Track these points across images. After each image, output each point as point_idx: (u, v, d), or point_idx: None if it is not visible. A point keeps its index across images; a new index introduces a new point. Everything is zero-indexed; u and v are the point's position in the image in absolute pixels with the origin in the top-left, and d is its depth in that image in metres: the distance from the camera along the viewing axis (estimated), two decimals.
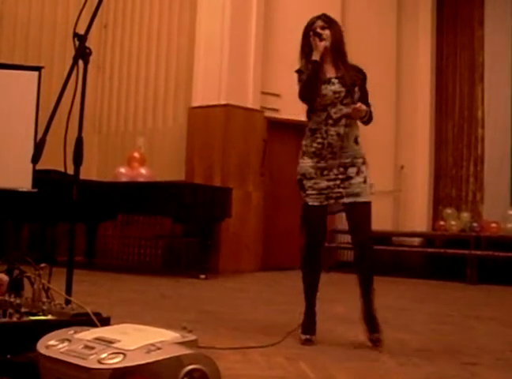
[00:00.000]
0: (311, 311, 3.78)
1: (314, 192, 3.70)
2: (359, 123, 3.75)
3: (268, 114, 9.45)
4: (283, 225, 9.87)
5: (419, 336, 4.07)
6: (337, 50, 3.70)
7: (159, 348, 1.99)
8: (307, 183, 3.72)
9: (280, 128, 9.65)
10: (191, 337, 2.26)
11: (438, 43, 10.93)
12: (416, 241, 10.38)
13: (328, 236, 9.91)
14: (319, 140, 3.70)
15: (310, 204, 3.72)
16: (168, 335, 2.20)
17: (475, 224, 9.74)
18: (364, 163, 3.69)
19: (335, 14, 9.29)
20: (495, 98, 10.30)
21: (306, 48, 3.73)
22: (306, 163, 3.74)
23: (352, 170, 3.64)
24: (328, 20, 3.73)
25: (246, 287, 7.25)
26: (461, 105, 10.67)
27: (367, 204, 3.65)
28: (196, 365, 1.97)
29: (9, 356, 2.29)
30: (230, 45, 9.01)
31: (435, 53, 10.87)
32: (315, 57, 3.66)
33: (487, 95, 10.37)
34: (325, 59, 3.70)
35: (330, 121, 3.68)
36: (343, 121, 3.65)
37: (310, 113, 3.80)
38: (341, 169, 3.64)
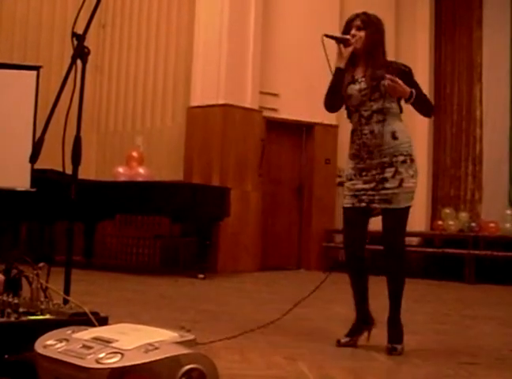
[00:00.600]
0: (358, 316, 3.66)
1: (349, 193, 3.61)
2: (418, 116, 3.65)
3: (266, 113, 9.45)
4: (281, 225, 9.87)
5: (417, 336, 4.06)
6: (370, 52, 3.58)
7: (157, 348, 1.98)
8: (346, 184, 3.65)
9: (278, 128, 9.66)
10: (189, 337, 2.25)
11: (436, 44, 10.94)
12: (415, 240, 10.38)
13: (327, 236, 9.96)
14: (357, 142, 3.60)
15: (343, 205, 3.65)
16: (166, 334, 2.20)
17: (473, 224, 9.75)
18: (405, 161, 3.48)
19: (333, 17, 9.49)
20: (494, 98, 10.30)
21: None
22: (349, 166, 3.66)
23: (388, 171, 3.48)
24: (366, 20, 3.59)
25: (244, 287, 7.25)
26: (459, 105, 10.68)
27: (400, 211, 3.50)
28: (194, 364, 1.97)
29: (6, 356, 2.29)
30: (228, 45, 9.01)
31: (434, 53, 10.88)
32: (338, 64, 3.59)
33: (485, 95, 10.37)
34: (357, 61, 3.63)
35: (363, 121, 3.57)
36: (374, 118, 3.53)
37: (348, 117, 3.71)
38: (379, 169, 3.50)
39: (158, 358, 1.94)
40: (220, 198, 8.01)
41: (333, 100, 3.68)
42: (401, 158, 3.50)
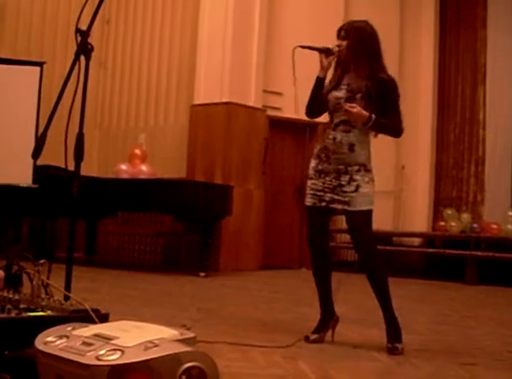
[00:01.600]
0: (323, 311, 3.75)
1: (311, 192, 3.72)
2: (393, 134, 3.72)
3: (270, 112, 9.44)
4: (283, 224, 9.87)
5: (418, 336, 4.06)
6: (353, 62, 3.62)
7: (157, 345, 1.98)
8: (308, 183, 3.75)
9: (281, 127, 9.65)
10: (190, 335, 2.25)
11: (440, 44, 10.92)
12: (416, 241, 10.38)
13: (329, 235, 9.92)
14: (321, 143, 3.73)
15: (306, 203, 3.75)
16: (167, 332, 2.19)
17: (475, 225, 9.74)
18: (359, 170, 3.58)
19: (338, 15, 9.50)
20: (497, 99, 10.29)
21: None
22: (311, 165, 3.77)
23: (344, 178, 3.59)
24: (349, 28, 3.65)
25: (246, 286, 7.25)
26: (462, 106, 10.66)
27: (360, 213, 3.58)
28: (194, 362, 1.97)
29: (7, 352, 2.29)
30: (232, 43, 9.00)
31: (438, 53, 10.86)
32: (319, 73, 3.69)
33: (489, 97, 10.35)
34: (346, 68, 3.69)
35: (332, 126, 3.69)
36: (341, 127, 3.63)
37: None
38: (335, 175, 3.61)
39: (158, 355, 1.94)
40: (223, 196, 8.01)
41: (313, 107, 3.80)
42: (356, 167, 3.61)
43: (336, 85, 3.71)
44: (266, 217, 9.43)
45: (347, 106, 3.53)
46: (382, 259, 3.66)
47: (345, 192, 3.58)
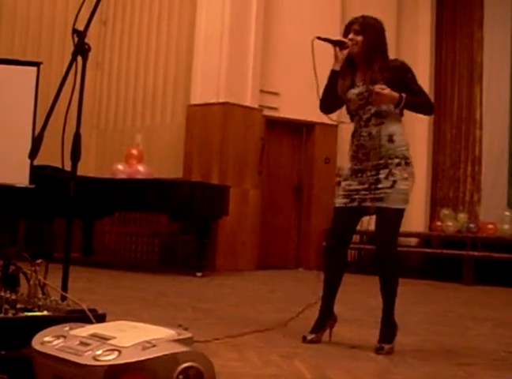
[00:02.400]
0: (323, 311, 3.71)
1: (343, 193, 3.66)
2: (419, 116, 3.66)
3: (266, 112, 9.45)
4: (280, 224, 9.87)
5: (414, 337, 4.07)
6: (369, 56, 3.60)
7: (154, 345, 1.98)
8: (342, 184, 3.70)
9: (278, 127, 9.66)
10: (187, 335, 2.25)
11: (437, 44, 10.94)
12: (413, 241, 10.39)
13: (326, 235, 9.93)
14: (355, 143, 3.66)
15: (336, 204, 3.70)
16: (164, 332, 2.20)
17: (472, 225, 9.75)
18: (400, 163, 3.52)
19: (334, 15, 9.50)
20: (494, 99, 10.30)
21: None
22: (347, 167, 3.73)
23: (382, 173, 3.52)
24: (364, 24, 3.64)
25: (242, 286, 7.25)
26: (459, 106, 10.68)
27: (392, 211, 3.51)
28: (191, 362, 1.97)
29: (3, 352, 2.29)
30: (229, 43, 9.00)
31: (434, 54, 10.88)
32: (334, 66, 3.66)
33: (485, 97, 10.37)
34: (357, 65, 3.67)
35: (362, 123, 3.63)
36: (373, 121, 3.58)
37: (351, 120, 3.76)
38: (374, 171, 3.55)
39: (155, 355, 1.94)
40: (219, 196, 8.01)
41: (328, 102, 3.75)
42: (396, 160, 3.54)
43: (352, 84, 3.68)
44: (263, 217, 9.43)
45: (377, 88, 3.46)
46: (399, 263, 3.62)
47: (380, 188, 3.51)
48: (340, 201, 3.67)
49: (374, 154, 3.56)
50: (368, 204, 3.55)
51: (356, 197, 3.59)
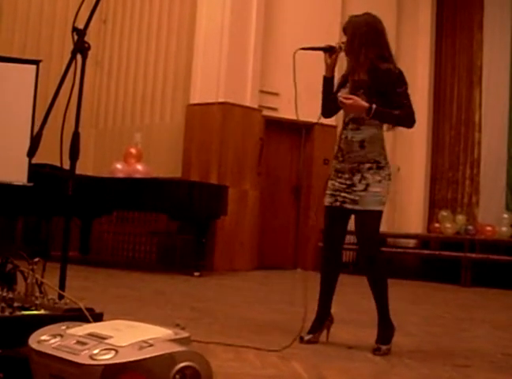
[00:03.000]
0: (320, 311, 3.72)
1: (329, 192, 3.71)
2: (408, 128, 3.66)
3: (266, 112, 9.44)
4: (279, 224, 9.87)
5: (412, 338, 4.07)
6: (351, 52, 3.62)
7: (151, 345, 1.98)
8: (328, 182, 3.74)
9: (277, 127, 9.65)
10: (184, 334, 2.25)
11: (437, 46, 10.94)
12: (411, 243, 10.39)
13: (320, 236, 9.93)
14: (338, 144, 3.73)
15: (324, 203, 3.75)
16: (161, 332, 2.19)
17: (470, 227, 9.76)
18: (371, 168, 3.55)
19: (335, 16, 9.52)
20: (493, 102, 10.30)
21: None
22: (331, 165, 3.78)
23: (356, 177, 3.58)
24: (347, 23, 3.68)
25: (240, 286, 7.25)
26: (458, 108, 10.68)
27: (368, 213, 3.55)
28: (188, 362, 1.96)
29: (0, 351, 2.28)
30: (229, 43, 9.00)
31: (434, 55, 10.88)
32: (325, 72, 3.72)
33: (484, 99, 10.38)
34: (349, 64, 3.70)
35: (343, 126, 3.70)
36: (350, 125, 3.62)
37: None
38: (349, 174, 3.60)
39: (152, 355, 1.93)
40: (218, 196, 8.01)
41: (325, 108, 3.82)
42: (367, 165, 3.58)
43: (343, 83, 3.71)
44: (261, 217, 9.43)
45: (341, 98, 3.52)
46: (383, 262, 3.64)
47: (355, 191, 3.57)
48: (327, 200, 3.73)
49: (348, 157, 3.62)
50: (348, 205, 3.61)
51: (338, 197, 3.65)
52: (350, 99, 3.49)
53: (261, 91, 9.35)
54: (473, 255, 8.89)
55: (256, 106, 9.27)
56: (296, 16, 9.60)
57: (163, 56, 10.01)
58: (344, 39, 3.66)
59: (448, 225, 9.99)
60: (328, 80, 3.72)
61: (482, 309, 6.48)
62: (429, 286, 8.57)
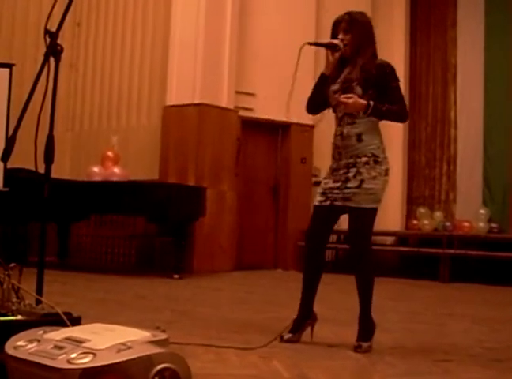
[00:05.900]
0: (302, 311, 3.70)
1: (320, 191, 3.68)
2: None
3: (242, 113, 9.44)
4: (257, 224, 9.87)
5: (392, 334, 4.08)
6: (358, 54, 3.60)
7: (129, 347, 1.97)
8: (322, 182, 3.72)
9: (254, 127, 9.65)
10: (162, 336, 2.24)
11: (411, 44, 11.02)
12: (390, 240, 10.45)
13: (304, 236, 9.92)
14: (333, 142, 3.68)
15: (314, 203, 3.72)
16: (139, 334, 2.18)
17: (447, 223, 9.84)
18: (368, 162, 3.52)
19: (309, 15, 9.51)
20: (468, 99, 10.40)
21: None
22: (328, 166, 3.74)
23: (351, 172, 3.54)
24: (351, 21, 3.61)
25: (220, 287, 7.24)
26: (434, 105, 10.77)
27: (361, 211, 3.52)
28: (167, 364, 1.96)
29: None
30: (204, 44, 8.98)
31: (409, 53, 10.95)
32: (325, 70, 3.66)
33: (459, 96, 10.47)
34: (346, 62, 3.65)
35: (337, 122, 3.67)
36: (345, 120, 3.59)
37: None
38: (345, 170, 3.56)
39: (130, 357, 1.93)
40: (196, 198, 7.99)
41: (313, 104, 3.77)
42: (364, 159, 3.54)
43: (334, 79, 3.67)
44: (240, 218, 9.43)
45: (341, 97, 3.48)
46: (374, 262, 3.64)
47: (349, 188, 3.53)
48: (317, 199, 3.69)
49: (345, 153, 3.58)
50: (339, 203, 3.58)
51: (329, 195, 3.61)
52: (351, 98, 3.46)
53: (237, 92, 9.35)
54: (451, 251, 8.96)
55: (232, 106, 9.26)
56: (271, 17, 9.61)
57: (139, 58, 9.96)
58: (343, 36, 3.60)
59: (426, 222, 10.06)
60: (325, 78, 3.66)
61: (461, 305, 6.53)
62: (408, 282, 8.62)
